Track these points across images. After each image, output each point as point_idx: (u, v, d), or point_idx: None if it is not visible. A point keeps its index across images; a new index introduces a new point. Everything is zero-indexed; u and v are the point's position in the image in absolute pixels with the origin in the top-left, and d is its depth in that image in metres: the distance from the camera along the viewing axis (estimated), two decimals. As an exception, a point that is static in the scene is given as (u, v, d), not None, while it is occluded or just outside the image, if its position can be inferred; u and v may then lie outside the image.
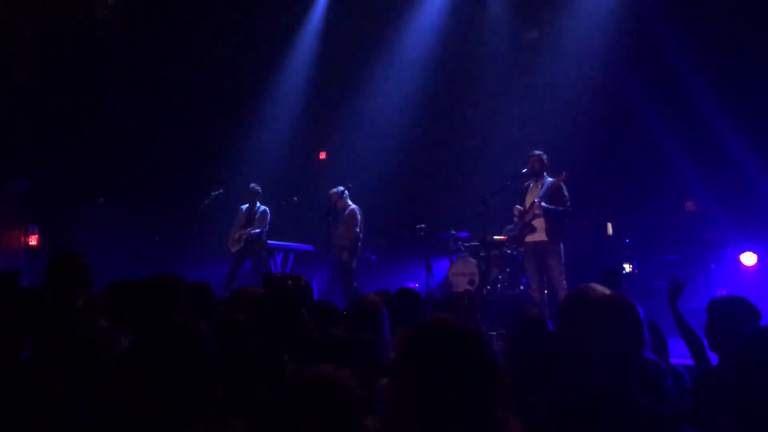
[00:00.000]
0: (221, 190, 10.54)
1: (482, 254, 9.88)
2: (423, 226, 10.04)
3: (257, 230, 10.12)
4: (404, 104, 12.28)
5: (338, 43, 12.76)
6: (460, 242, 10.64)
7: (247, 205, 10.36)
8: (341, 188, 9.90)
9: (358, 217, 9.78)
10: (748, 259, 9.26)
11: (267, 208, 10.36)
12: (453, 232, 10.67)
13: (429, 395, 1.78)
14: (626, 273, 10.12)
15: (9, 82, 10.99)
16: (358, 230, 9.74)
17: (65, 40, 11.17)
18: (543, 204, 7.93)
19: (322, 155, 13.67)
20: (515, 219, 8.38)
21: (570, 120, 10.95)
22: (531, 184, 8.29)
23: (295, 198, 10.57)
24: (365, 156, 12.24)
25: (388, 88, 12.44)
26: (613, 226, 10.71)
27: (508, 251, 9.90)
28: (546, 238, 7.91)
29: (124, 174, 11.78)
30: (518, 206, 8.23)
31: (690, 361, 4.66)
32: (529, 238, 8.12)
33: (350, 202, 9.91)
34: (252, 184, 10.42)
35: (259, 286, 4.60)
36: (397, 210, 12.49)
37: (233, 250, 10.20)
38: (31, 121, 11.31)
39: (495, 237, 10.12)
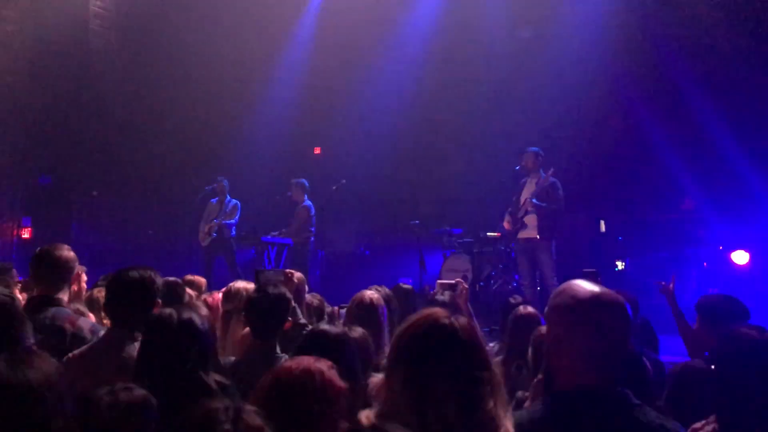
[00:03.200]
0: (216, 185, 10.55)
1: (476, 250, 9.93)
2: (417, 221, 10.07)
3: (229, 221, 10.19)
4: (399, 100, 12.29)
5: (334, 39, 12.75)
6: (453, 238, 10.66)
7: (217, 198, 10.42)
8: (305, 181, 10.16)
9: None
10: (740, 257, 9.31)
11: (238, 202, 10.43)
12: (447, 228, 10.70)
13: (422, 390, 1.80)
14: (619, 270, 10.18)
15: (2, 72, 10.94)
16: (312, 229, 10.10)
17: (59, 32, 11.11)
18: (534, 201, 7.99)
19: (317, 150, 13.67)
20: (505, 226, 8.52)
21: (565, 118, 11.00)
22: (527, 181, 8.34)
23: (290, 193, 10.58)
24: (359, 151, 12.25)
25: (383, 83, 12.43)
26: (606, 224, 10.77)
27: (502, 248, 9.95)
28: (537, 235, 7.98)
29: (118, 167, 11.75)
30: (508, 218, 8.40)
31: (681, 358, 4.71)
32: (521, 235, 8.25)
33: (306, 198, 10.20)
34: (219, 178, 10.48)
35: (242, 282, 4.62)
36: (391, 205, 12.52)
37: (204, 244, 10.24)
38: (24, 113, 11.26)
39: (489, 233, 10.16)
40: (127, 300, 3.17)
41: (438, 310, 1.96)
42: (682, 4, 10.39)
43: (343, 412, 2.09)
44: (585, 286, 2.01)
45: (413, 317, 1.97)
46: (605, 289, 2.02)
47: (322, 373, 2.08)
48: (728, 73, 10.13)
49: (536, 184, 8.18)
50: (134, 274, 3.22)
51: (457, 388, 1.79)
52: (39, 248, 3.87)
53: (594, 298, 1.98)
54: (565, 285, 2.07)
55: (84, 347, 3.25)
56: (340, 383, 2.10)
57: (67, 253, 3.80)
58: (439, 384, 1.79)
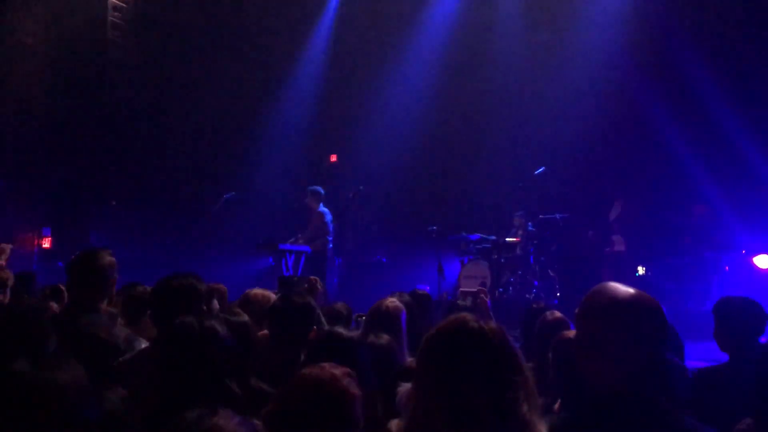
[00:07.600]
0: (233, 193, 10.56)
1: (494, 257, 9.87)
2: (434, 228, 10.01)
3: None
4: (415, 107, 12.27)
5: (349, 45, 12.77)
6: (471, 244, 10.60)
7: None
8: (320, 189, 10.05)
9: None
10: (763, 261, 9.18)
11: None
12: (464, 234, 10.63)
13: (454, 396, 1.76)
14: (639, 275, 10.08)
15: (22, 84, 11.07)
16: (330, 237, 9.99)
17: (78, 43, 11.22)
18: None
19: (333, 158, 13.65)
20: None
21: (582, 121, 10.93)
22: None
23: (305, 201, 10.57)
24: (376, 159, 12.23)
25: (398, 90, 12.43)
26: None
27: (520, 254, 9.90)
28: (623, 249, 9.42)
29: (136, 176, 11.82)
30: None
31: (705, 363, 4.65)
32: (608, 250, 9.63)
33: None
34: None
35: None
36: (409, 212, 12.48)
37: None
38: (43, 123, 11.36)
39: (507, 239, 10.10)
40: (174, 308, 3.10)
41: (466, 315, 1.92)
42: (701, 4, 10.31)
43: (359, 419, 2.07)
44: (621, 287, 1.95)
45: (442, 323, 1.93)
46: (642, 292, 1.95)
47: (336, 380, 2.05)
48: (749, 75, 10.03)
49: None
50: (177, 282, 3.22)
51: (490, 393, 1.74)
52: (78, 253, 3.80)
53: (631, 299, 1.93)
54: (599, 286, 2.00)
55: (135, 352, 3.25)
56: (355, 390, 2.07)
57: (106, 259, 3.68)
58: (471, 389, 1.74)
